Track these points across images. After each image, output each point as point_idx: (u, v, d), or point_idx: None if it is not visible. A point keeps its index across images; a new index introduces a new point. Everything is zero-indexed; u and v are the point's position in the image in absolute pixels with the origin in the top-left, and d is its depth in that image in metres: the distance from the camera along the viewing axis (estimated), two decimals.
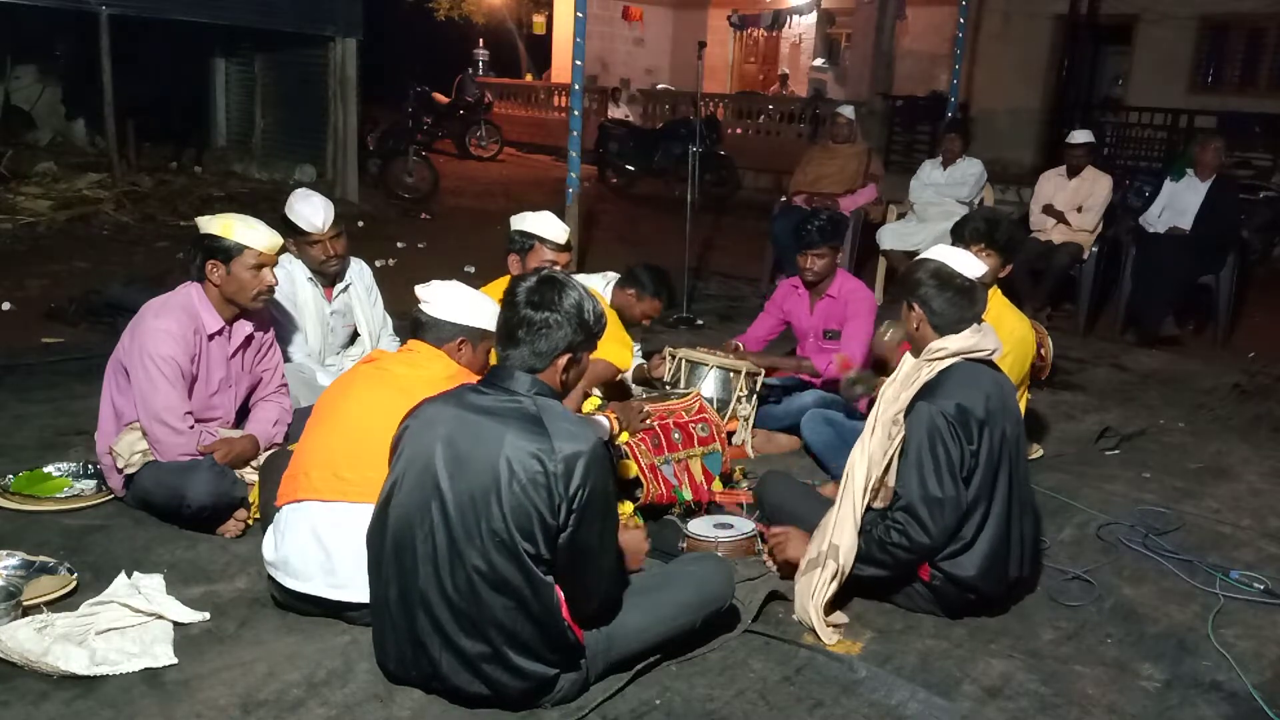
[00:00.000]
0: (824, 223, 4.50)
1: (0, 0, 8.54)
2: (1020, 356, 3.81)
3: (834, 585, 2.86)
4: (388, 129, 12.64)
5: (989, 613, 3.03)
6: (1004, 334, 3.22)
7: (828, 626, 2.86)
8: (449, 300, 2.79)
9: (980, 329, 2.97)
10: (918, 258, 3.16)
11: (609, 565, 2.41)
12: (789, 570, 3.08)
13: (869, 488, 2.90)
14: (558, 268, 3.85)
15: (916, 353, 3.03)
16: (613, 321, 4.12)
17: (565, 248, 3.94)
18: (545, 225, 3.91)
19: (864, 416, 4.11)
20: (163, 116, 11.29)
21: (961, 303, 2.94)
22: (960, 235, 3.99)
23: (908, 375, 2.98)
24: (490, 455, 2.23)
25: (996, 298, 3.86)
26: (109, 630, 2.62)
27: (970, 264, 3.00)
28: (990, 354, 2.95)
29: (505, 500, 2.21)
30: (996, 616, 3.03)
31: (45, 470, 3.62)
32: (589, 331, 2.41)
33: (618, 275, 4.46)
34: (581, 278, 4.28)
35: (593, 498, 2.25)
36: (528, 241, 3.91)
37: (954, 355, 2.91)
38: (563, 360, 2.38)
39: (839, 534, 2.87)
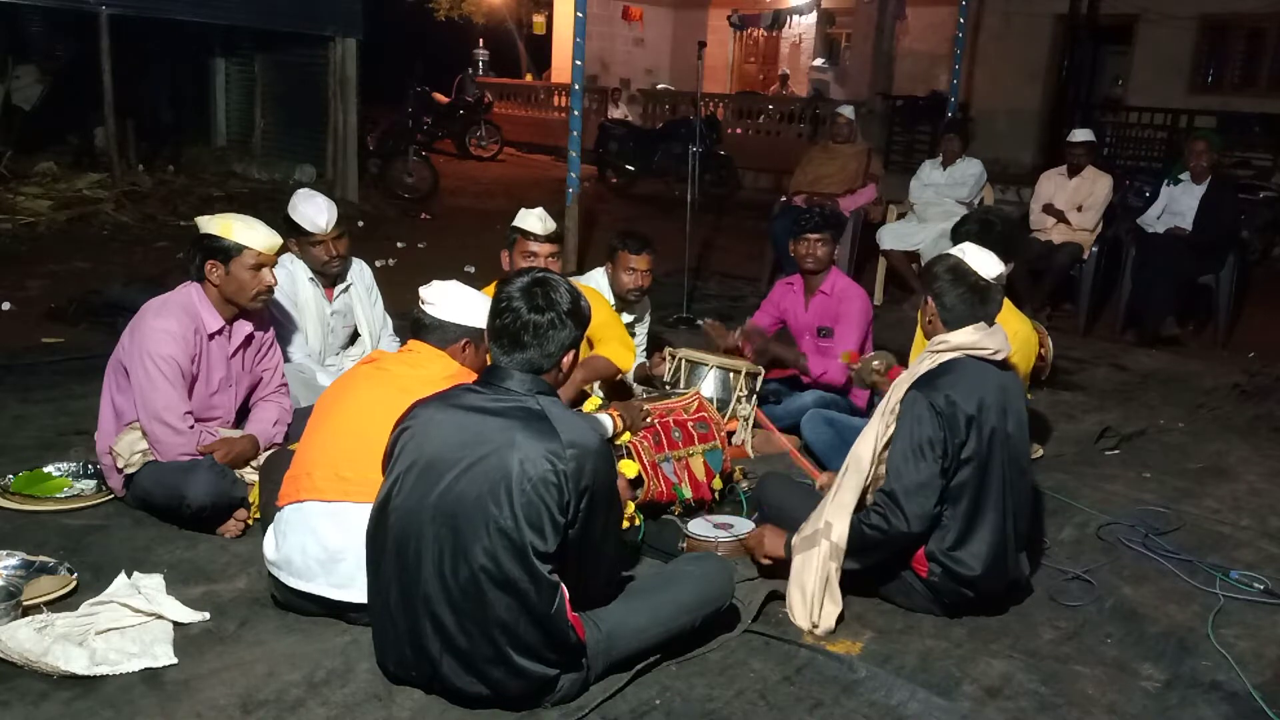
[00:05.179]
0: (819, 211, 4.59)
1: (1, 1, 8.54)
2: (1024, 357, 3.84)
3: (833, 565, 2.83)
4: (388, 129, 12.61)
5: (986, 612, 3.03)
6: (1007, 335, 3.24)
7: (824, 607, 2.83)
8: (452, 302, 2.80)
9: (986, 328, 2.98)
10: (940, 253, 3.17)
11: (611, 553, 2.51)
12: (779, 570, 3.06)
13: (872, 474, 2.92)
14: (539, 259, 3.88)
15: None
16: (614, 322, 4.12)
17: (547, 238, 3.98)
18: (525, 218, 4.01)
19: (865, 414, 4.14)
20: (163, 116, 11.27)
21: (973, 300, 2.97)
22: (955, 236, 3.98)
23: (914, 367, 3.02)
24: (500, 454, 2.25)
25: None
26: (109, 630, 2.62)
27: (989, 264, 3.02)
28: (993, 354, 2.96)
29: (516, 498, 2.23)
30: (996, 616, 3.03)
31: (45, 470, 3.62)
32: (585, 324, 2.48)
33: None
34: (579, 279, 4.30)
35: (599, 492, 2.31)
36: (511, 235, 4.01)
37: (955, 349, 2.95)
38: (569, 358, 2.44)
39: (834, 513, 2.87)
